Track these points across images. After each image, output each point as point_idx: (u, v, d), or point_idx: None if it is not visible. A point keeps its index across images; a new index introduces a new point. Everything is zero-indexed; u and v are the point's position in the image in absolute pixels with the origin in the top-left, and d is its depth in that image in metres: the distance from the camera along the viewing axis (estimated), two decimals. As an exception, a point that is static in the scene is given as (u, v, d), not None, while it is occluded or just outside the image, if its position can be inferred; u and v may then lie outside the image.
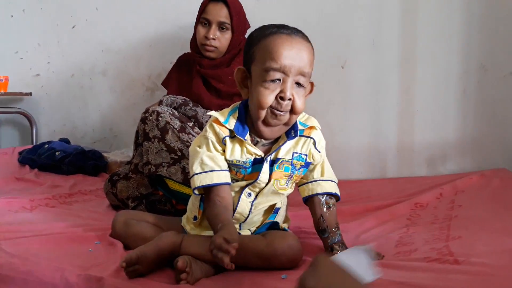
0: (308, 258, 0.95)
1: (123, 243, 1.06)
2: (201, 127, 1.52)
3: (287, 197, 1.07)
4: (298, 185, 1.04)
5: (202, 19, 1.63)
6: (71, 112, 2.42)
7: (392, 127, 1.93)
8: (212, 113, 0.98)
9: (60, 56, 2.41)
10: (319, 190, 1.00)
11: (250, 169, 0.95)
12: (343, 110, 1.97)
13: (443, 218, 1.18)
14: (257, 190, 0.97)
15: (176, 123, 1.42)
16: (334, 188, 1.01)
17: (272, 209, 1.00)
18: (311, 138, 0.98)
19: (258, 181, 0.95)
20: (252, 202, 0.97)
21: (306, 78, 0.92)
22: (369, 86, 1.95)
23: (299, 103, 0.91)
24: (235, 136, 0.94)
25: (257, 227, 1.01)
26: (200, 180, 0.93)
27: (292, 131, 0.96)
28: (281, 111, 0.91)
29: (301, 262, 0.94)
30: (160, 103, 1.61)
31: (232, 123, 0.95)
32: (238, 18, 1.64)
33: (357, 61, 1.95)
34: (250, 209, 0.97)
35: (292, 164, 0.97)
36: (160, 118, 1.40)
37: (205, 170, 0.93)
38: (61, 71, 2.41)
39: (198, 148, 0.96)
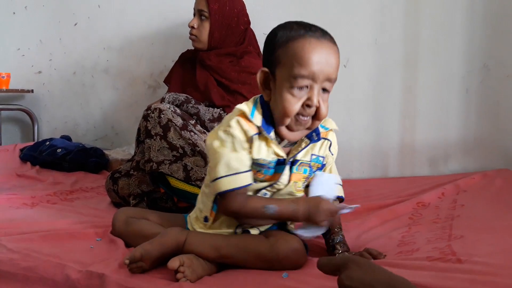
0: (311, 258, 0.94)
1: (124, 240, 1.05)
2: (203, 124, 1.51)
3: None
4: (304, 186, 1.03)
5: (194, 11, 1.68)
6: (72, 109, 2.42)
7: (394, 126, 1.93)
8: (238, 106, 0.92)
9: (62, 54, 2.41)
10: None
11: (273, 170, 0.93)
12: (345, 109, 1.97)
13: (445, 218, 1.18)
14: (275, 190, 0.95)
15: (178, 121, 1.42)
16: (340, 191, 1.02)
17: None
18: (328, 140, 0.98)
19: (278, 182, 0.93)
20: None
21: (332, 83, 0.90)
22: (371, 85, 1.95)
23: (323, 110, 0.89)
24: (261, 133, 0.91)
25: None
26: (228, 183, 0.89)
27: (313, 134, 0.94)
28: (306, 117, 0.89)
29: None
30: (162, 100, 1.61)
31: (258, 118, 0.91)
32: (218, 7, 1.62)
33: (359, 60, 1.95)
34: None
35: (310, 166, 0.97)
36: (162, 116, 1.40)
37: (231, 173, 0.89)
38: (63, 68, 2.42)
39: (220, 147, 0.90)
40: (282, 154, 0.92)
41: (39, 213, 1.33)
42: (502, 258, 0.84)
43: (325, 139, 0.98)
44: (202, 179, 1.29)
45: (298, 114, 0.88)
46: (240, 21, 1.67)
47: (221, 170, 0.89)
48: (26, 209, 1.38)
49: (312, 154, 0.96)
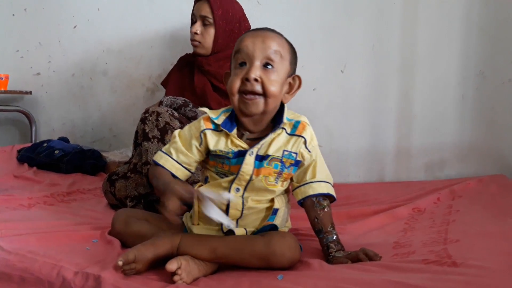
0: (306, 259, 0.95)
1: (122, 241, 1.06)
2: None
3: (289, 199, 1.06)
4: (292, 189, 1.04)
5: (192, 17, 1.68)
6: (70, 111, 2.42)
7: (390, 131, 1.94)
8: (205, 109, 1.03)
9: (61, 56, 2.41)
10: (311, 192, 1.00)
11: (234, 160, 0.96)
12: (342, 114, 1.98)
13: (441, 223, 1.19)
14: (244, 183, 0.96)
15: (176, 124, 1.43)
16: (326, 189, 1.00)
17: (271, 209, 0.99)
18: (302, 137, 0.98)
19: (241, 172, 0.95)
20: (242, 196, 0.97)
21: (274, 60, 0.95)
22: (368, 91, 1.96)
23: (268, 84, 0.94)
24: (222, 130, 0.98)
25: (256, 228, 1.00)
26: (160, 156, 1.01)
27: (277, 125, 0.98)
28: (250, 95, 0.94)
29: (298, 263, 0.94)
30: (160, 103, 1.62)
31: (221, 119, 0.99)
32: (222, 13, 1.63)
33: (356, 66, 1.96)
34: (243, 204, 0.97)
35: (282, 162, 0.97)
36: (160, 119, 1.40)
37: (166, 152, 1.01)
38: (62, 70, 2.42)
39: (177, 136, 1.02)
40: (244, 145, 0.96)
41: (36, 214, 1.33)
42: (497, 262, 0.84)
43: (300, 136, 0.98)
44: (198, 182, 1.30)
45: (241, 92, 0.95)
46: (242, 26, 1.69)
47: (165, 147, 1.03)
48: (23, 210, 1.38)
49: (284, 150, 0.97)
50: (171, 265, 0.85)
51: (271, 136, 0.97)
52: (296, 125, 0.99)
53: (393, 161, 1.94)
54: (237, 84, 0.95)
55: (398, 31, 1.92)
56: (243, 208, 0.97)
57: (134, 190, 1.42)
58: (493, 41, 1.83)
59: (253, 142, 0.98)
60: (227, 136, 0.98)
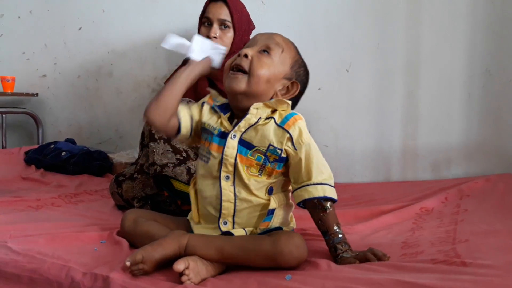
0: (313, 259, 0.95)
1: (131, 241, 1.06)
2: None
3: (289, 198, 1.05)
4: (292, 191, 1.02)
5: (204, 19, 1.65)
6: (77, 112, 2.43)
7: (396, 130, 1.93)
8: (212, 90, 1.08)
9: (66, 57, 2.43)
10: (306, 196, 0.97)
11: (217, 139, 0.98)
12: (347, 114, 1.98)
13: (449, 222, 1.18)
14: (231, 170, 0.97)
15: (182, 124, 1.43)
16: (322, 192, 0.96)
17: (266, 208, 0.98)
18: (288, 132, 0.96)
19: (224, 156, 0.96)
20: (233, 185, 0.97)
21: (273, 48, 0.99)
22: (373, 90, 1.95)
23: (256, 63, 0.97)
24: (215, 109, 1.03)
25: (255, 228, 0.99)
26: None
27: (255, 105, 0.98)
28: (236, 65, 0.98)
29: (306, 263, 0.94)
30: (166, 104, 1.62)
31: (220, 103, 1.05)
32: (239, 16, 1.64)
33: (362, 65, 1.96)
34: (235, 194, 0.97)
35: (265, 155, 0.96)
36: (166, 119, 1.40)
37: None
38: (67, 72, 2.43)
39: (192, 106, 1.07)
40: (228, 126, 1.00)
41: (44, 215, 1.34)
42: (507, 261, 0.84)
43: (286, 131, 0.96)
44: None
45: (232, 66, 0.99)
46: (250, 27, 1.70)
47: None
48: (31, 212, 1.38)
49: (270, 144, 0.96)
50: (179, 265, 0.85)
51: (251, 118, 0.97)
52: (288, 117, 0.97)
53: (399, 161, 1.93)
54: (231, 60, 1.00)
55: (403, 30, 1.91)
56: (235, 200, 0.97)
57: (141, 191, 1.43)
58: (499, 39, 1.82)
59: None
60: (219, 117, 1.02)
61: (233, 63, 0.99)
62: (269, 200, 0.98)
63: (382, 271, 0.85)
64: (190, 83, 1.03)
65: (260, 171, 0.98)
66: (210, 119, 1.03)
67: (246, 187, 0.98)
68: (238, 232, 0.98)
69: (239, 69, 0.98)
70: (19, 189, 1.71)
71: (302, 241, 0.92)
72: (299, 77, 1.04)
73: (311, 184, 0.97)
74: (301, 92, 1.06)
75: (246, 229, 0.99)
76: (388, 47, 1.92)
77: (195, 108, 1.06)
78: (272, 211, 0.98)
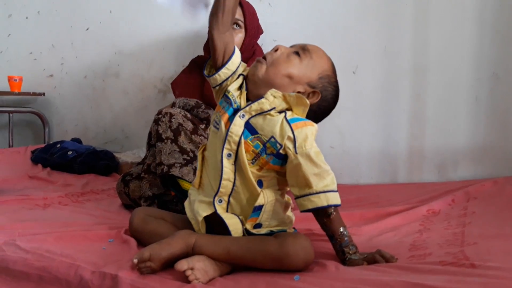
0: (321, 260, 0.95)
1: (139, 239, 1.06)
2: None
3: (284, 195, 1.03)
4: (294, 198, 1.00)
5: None
6: (83, 112, 2.44)
7: (402, 132, 1.93)
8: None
9: (73, 58, 2.44)
10: (309, 206, 0.95)
11: (231, 111, 0.98)
12: (354, 115, 1.98)
13: (456, 224, 1.18)
14: (234, 147, 0.96)
15: (189, 125, 1.43)
16: (325, 201, 0.94)
17: (254, 204, 0.96)
18: (292, 133, 0.94)
19: (229, 132, 0.95)
20: (234, 164, 0.96)
21: (305, 53, 1.01)
22: (380, 92, 1.95)
23: (280, 54, 1.00)
24: (242, 87, 1.03)
25: (249, 225, 0.97)
26: None
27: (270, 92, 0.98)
28: (265, 55, 1.01)
29: (313, 264, 0.94)
30: (173, 105, 1.63)
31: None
32: (251, 19, 1.66)
33: (368, 67, 1.96)
34: (235, 174, 0.97)
35: (264, 145, 0.95)
36: (173, 120, 1.41)
37: None
38: (74, 72, 2.45)
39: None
40: (242, 102, 1.00)
41: (51, 214, 1.35)
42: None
43: (291, 130, 0.95)
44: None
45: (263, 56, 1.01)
46: (260, 31, 1.71)
47: None
48: (39, 210, 1.39)
49: (272, 136, 0.95)
50: (180, 265, 0.85)
51: (264, 103, 0.96)
52: (299, 119, 0.97)
53: (405, 163, 1.93)
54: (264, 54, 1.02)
55: (410, 32, 1.91)
56: (235, 180, 0.96)
57: (148, 191, 1.43)
58: (507, 42, 1.81)
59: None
60: (241, 93, 1.01)
61: (263, 56, 1.02)
62: (258, 196, 0.96)
63: (390, 272, 0.85)
64: None
65: (254, 160, 0.96)
66: (235, 90, 1.02)
67: (245, 170, 0.96)
68: (232, 221, 0.96)
69: (264, 58, 1.01)
70: (26, 187, 1.72)
71: (308, 243, 0.92)
72: (325, 91, 1.02)
73: (313, 194, 0.95)
74: (323, 111, 1.04)
75: (240, 217, 0.97)
76: (395, 50, 1.92)
77: (235, 75, 1.04)
78: (260, 207, 0.96)
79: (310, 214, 1.15)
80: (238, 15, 1.63)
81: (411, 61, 1.91)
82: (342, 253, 0.96)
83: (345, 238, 0.96)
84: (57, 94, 2.48)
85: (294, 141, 0.94)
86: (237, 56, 1.03)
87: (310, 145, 0.95)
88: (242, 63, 1.05)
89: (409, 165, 1.92)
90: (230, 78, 1.03)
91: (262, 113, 0.97)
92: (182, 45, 2.22)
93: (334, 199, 0.95)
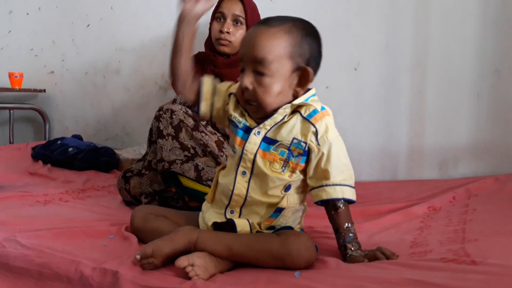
0: (322, 257, 0.94)
1: (140, 237, 1.06)
2: (213, 125, 1.52)
3: (304, 199, 1.03)
4: (309, 189, 1.01)
5: (217, 14, 1.65)
6: (84, 109, 2.44)
7: (404, 129, 1.92)
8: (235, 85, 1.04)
9: (74, 54, 2.44)
10: (324, 196, 0.96)
11: (242, 132, 0.97)
12: (355, 112, 1.97)
13: (457, 222, 1.18)
14: (249, 165, 0.95)
15: (190, 122, 1.43)
16: (341, 193, 0.95)
17: (275, 206, 0.97)
18: (314, 126, 0.93)
19: (245, 151, 0.95)
20: (248, 181, 0.96)
21: (264, 65, 0.91)
22: (381, 89, 1.94)
23: (260, 94, 0.92)
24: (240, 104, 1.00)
25: (262, 223, 0.98)
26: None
27: (282, 107, 0.95)
28: (245, 100, 0.95)
29: (315, 261, 0.93)
30: (174, 101, 1.62)
31: None
32: (252, 15, 1.65)
33: (370, 64, 1.95)
34: (247, 190, 0.96)
35: (289, 149, 0.94)
36: (174, 116, 1.41)
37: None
38: (75, 68, 2.44)
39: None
40: (250, 122, 0.97)
41: (52, 210, 1.35)
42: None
43: (312, 124, 0.93)
44: (212, 179, 1.30)
45: (243, 100, 0.95)
46: None
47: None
48: (39, 207, 1.39)
49: (294, 138, 0.94)
50: (180, 262, 0.85)
51: (277, 117, 0.94)
52: (315, 111, 0.94)
53: (406, 160, 1.92)
54: (239, 93, 0.96)
55: (412, 28, 1.90)
56: (246, 196, 0.96)
57: (148, 187, 1.43)
58: (509, 38, 1.80)
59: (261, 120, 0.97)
60: (243, 113, 0.99)
61: (242, 96, 0.95)
62: (282, 198, 0.96)
63: (391, 269, 0.85)
64: (186, 37, 1.02)
65: (284, 167, 0.95)
66: (235, 110, 1.00)
67: (262, 187, 0.96)
68: (241, 222, 0.96)
69: (248, 101, 0.95)
70: (26, 184, 1.72)
71: (311, 243, 0.92)
72: (307, 56, 0.95)
73: (330, 185, 0.95)
74: (318, 63, 0.99)
75: (250, 221, 0.97)
76: (397, 46, 1.91)
77: (219, 97, 1.03)
78: (280, 210, 0.97)
79: (312, 212, 1.16)
80: (239, 11, 1.63)
81: (413, 57, 1.90)
82: (344, 248, 0.96)
83: (350, 234, 0.96)
84: (58, 91, 2.48)
85: (316, 134, 0.94)
86: (206, 84, 1.04)
87: (332, 136, 0.95)
88: (222, 84, 1.04)
89: (410, 162, 1.92)
90: (218, 105, 1.03)
91: (276, 124, 0.95)
92: (183, 41, 2.21)
93: (350, 194, 0.97)
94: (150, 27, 2.27)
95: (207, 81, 1.05)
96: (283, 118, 0.95)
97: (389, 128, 1.94)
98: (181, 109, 1.44)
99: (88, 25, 2.40)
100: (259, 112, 0.95)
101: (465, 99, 1.86)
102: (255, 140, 0.95)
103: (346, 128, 1.98)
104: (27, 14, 2.50)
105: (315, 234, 1.13)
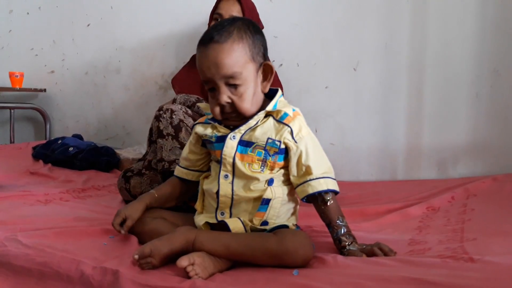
0: (320, 255, 0.95)
1: (139, 239, 1.06)
2: (213, 125, 1.53)
3: (294, 195, 1.05)
4: (294, 187, 1.03)
5: (216, 15, 1.67)
6: (84, 108, 2.45)
7: (403, 129, 1.93)
8: (202, 105, 1.09)
9: (74, 54, 2.44)
10: (310, 190, 0.98)
11: (217, 144, 1.01)
12: (354, 112, 1.98)
13: (456, 221, 1.18)
14: (230, 169, 0.99)
15: (190, 121, 1.44)
16: (325, 185, 0.98)
17: (260, 199, 0.98)
18: (288, 126, 0.98)
19: (223, 155, 0.99)
20: (232, 183, 0.99)
21: (235, 77, 0.95)
22: (380, 89, 1.95)
23: (239, 102, 0.96)
24: (210, 123, 1.04)
25: (253, 220, 0.99)
26: (176, 170, 1.15)
27: (257, 113, 0.99)
28: (228, 113, 0.98)
29: (313, 259, 0.94)
30: (174, 101, 1.63)
31: (210, 116, 1.05)
32: (250, 15, 1.66)
33: (369, 64, 1.96)
34: (232, 191, 0.99)
35: (265, 150, 0.98)
36: (174, 116, 1.41)
37: (180, 164, 1.14)
38: (75, 68, 2.45)
39: (186, 145, 1.12)
40: (223, 130, 1.01)
41: (52, 210, 1.35)
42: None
43: (286, 125, 0.97)
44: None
45: (222, 112, 0.98)
46: (260, 26, 1.71)
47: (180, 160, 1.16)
48: (40, 206, 1.40)
49: (268, 138, 0.97)
50: (182, 261, 0.86)
51: (251, 122, 0.98)
52: (286, 114, 0.99)
53: (405, 160, 1.93)
54: (217, 110, 0.97)
55: (411, 29, 1.90)
56: (232, 195, 0.99)
57: (149, 187, 1.44)
58: (508, 38, 1.81)
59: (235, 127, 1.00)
60: (214, 127, 1.03)
61: (223, 110, 0.97)
62: (265, 190, 0.98)
63: (389, 265, 0.85)
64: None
65: (262, 167, 0.99)
66: (205, 131, 1.05)
67: (246, 185, 0.99)
68: (233, 221, 0.98)
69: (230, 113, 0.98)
70: (27, 183, 1.73)
71: (308, 240, 0.93)
72: (262, 51, 0.99)
73: (313, 179, 0.98)
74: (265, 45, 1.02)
75: (242, 218, 0.99)
76: (396, 46, 1.92)
77: (192, 152, 1.10)
78: (267, 201, 0.98)
79: (310, 211, 1.17)
80: (236, 12, 1.64)
81: (412, 57, 1.91)
82: (339, 242, 0.98)
83: (343, 227, 0.98)
84: (58, 90, 2.49)
85: (291, 132, 0.98)
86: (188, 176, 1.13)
87: (307, 132, 1.00)
88: (191, 147, 1.10)
89: (409, 162, 1.93)
90: (197, 151, 1.10)
91: (250, 128, 0.99)
92: (183, 41, 2.22)
93: (333, 185, 1.00)
94: (150, 26, 2.28)
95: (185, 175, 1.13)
96: (256, 123, 0.99)
97: (388, 128, 1.95)
98: (181, 109, 1.45)
99: (88, 25, 2.40)
100: (239, 119, 0.99)
101: (463, 99, 1.87)
102: (231, 144, 0.99)
103: (345, 128, 1.99)
104: (28, 13, 2.50)
105: (313, 234, 1.13)
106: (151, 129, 1.49)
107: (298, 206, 1.07)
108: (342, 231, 0.98)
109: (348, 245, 0.96)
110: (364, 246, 0.96)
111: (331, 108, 1.99)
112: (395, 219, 1.29)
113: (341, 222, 0.99)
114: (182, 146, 1.37)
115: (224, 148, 0.98)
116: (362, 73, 1.96)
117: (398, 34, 1.92)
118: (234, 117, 0.99)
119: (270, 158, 0.98)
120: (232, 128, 1.00)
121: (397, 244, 1.00)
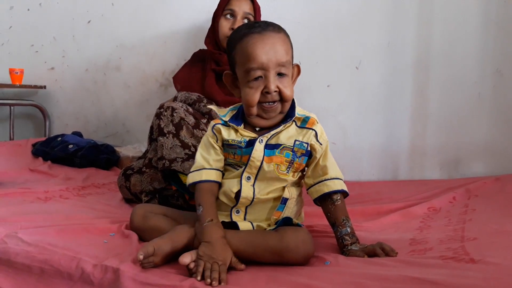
0: (321, 255, 0.95)
1: (140, 235, 1.07)
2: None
3: (301, 192, 1.07)
4: (307, 188, 1.06)
5: (227, 11, 1.66)
6: (84, 106, 2.44)
7: (405, 129, 1.93)
8: (213, 107, 1.10)
9: (75, 51, 2.43)
10: (326, 189, 1.02)
11: (245, 149, 1.00)
12: (356, 111, 1.97)
13: (457, 221, 1.18)
14: (254, 171, 1.00)
15: (191, 119, 1.43)
16: (340, 185, 1.03)
17: (279, 199, 1.01)
18: (313, 129, 1.02)
19: (251, 158, 0.99)
20: (253, 185, 1.00)
21: (286, 67, 0.98)
22: (383, 88, 1.95)
23: (286, 91, 0.97)
24: (230, 125, 1.04)
25: (267, 224, 1.01)
26: (192, 177, 1.04)
27: (288, 118, 1.02)
28: (270, 102, 0.98)
29: (314, 259, 0.94)
30: (175, 99, 1.62)
31: (228, 116, 1.05)
32: (259, 14, 1.68)
33: (372, 63, 1.95)
34: (254, 193, 1.00)
35: (293, 151, 1.00)
36: (175, 114, 1.41)
37: (195, 169, 1.04)
38: (76, 65, 2.44)
39: (199, 149, 1.07)
40: (252, 135, 1.01)
41: (52, 207, 1.35)
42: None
43: (310, 128, 1.01)
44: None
45: (261, 102, 0.98)
46: None
47: (194, 165, 1.06)
48: (40, 203, 1.39)
49: (295, 140, 1.00)
50: (184, 259, 0.86)
51: (281, 127, 1.00)
52: (306, 119, 1.03)
53: (407, 160, 1.92)
54: (256, 97, 0.97)
55: (414, 28, 1.90)
56: (253, 198, 1.00)
57: (149, 185, 1.43)
58: (510, 39, 1.80)
59: (262, 132, 1.02)
60: (236, 130, 1.03)
61: (262, 99, 0.97)
62: (283, 190, 1.01)
63: (390, 265, 0.85)
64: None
65: (288, 168, 1.01)
66: (229, 135, 1.03)
67: (266, 187, 1.01)
68: (244, 224, 0.99)
69: (274, 101, 0.98)
70: (27, 181, 1.72)
71: (308, 237, 0.93)
72: (293, 54, 1.03)
73: (329, 179, 1.02)
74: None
75: (254, 223, 1.00)
76: (398, 45, 1.91)
77: (213, 149, 1.04)
78: (285, 201, 1.01)
79: (312, 211, 1.16)
80: (249, 9, 1.66)
81: (414, 57, 1.90)
82: (342, 241, 0.99)
83: (347, 227, 1.00)
84: (58, 87, 2.48)
85: (316, 135, 1.02)
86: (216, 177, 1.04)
87: (325, 136, 1.04)
88: (211, 153, 1.04)
89: (411, 162, 1.92)
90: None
91: (276, 133, 1.01)
92: (183, 38, 2.21)
93: (345, 187, 1.04)
94: (150, 24, 2.27)
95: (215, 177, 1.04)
96: (281, 128, 1.01)
97: (390, 128, 1.94)
98: (182, 107, 1.44)
99: (89, 22, 2.39)
100: (275, 113, 0.99)
101: (466, 99, 1.86)
102: (260, 147, 1.00)
103: (347, 127, 1.99)
104: (28, 10, 2.49)
105: (315, 233, 1.13)
106: (151, 127, 1.48)
107: (302, 206, 1.09)
108: (346, 231, 0.99)
109: (350, 244, 0.97)
110: (366, 246, 0.96)
111: (333, 107, 1.99)
112: (397, 219, 1.29)
113: (345, 222, 1.00)
114: (182, 144, 1.37)
115: (253, 151, 0.99)
116: (365, 72, 1.96)
117: (401, 33, 1.91)
118: (272, 110, 0.98)
119: (297, 160, 1.01)
120: (258, 130, 1.01)
121: (398, 244, 0.99)
